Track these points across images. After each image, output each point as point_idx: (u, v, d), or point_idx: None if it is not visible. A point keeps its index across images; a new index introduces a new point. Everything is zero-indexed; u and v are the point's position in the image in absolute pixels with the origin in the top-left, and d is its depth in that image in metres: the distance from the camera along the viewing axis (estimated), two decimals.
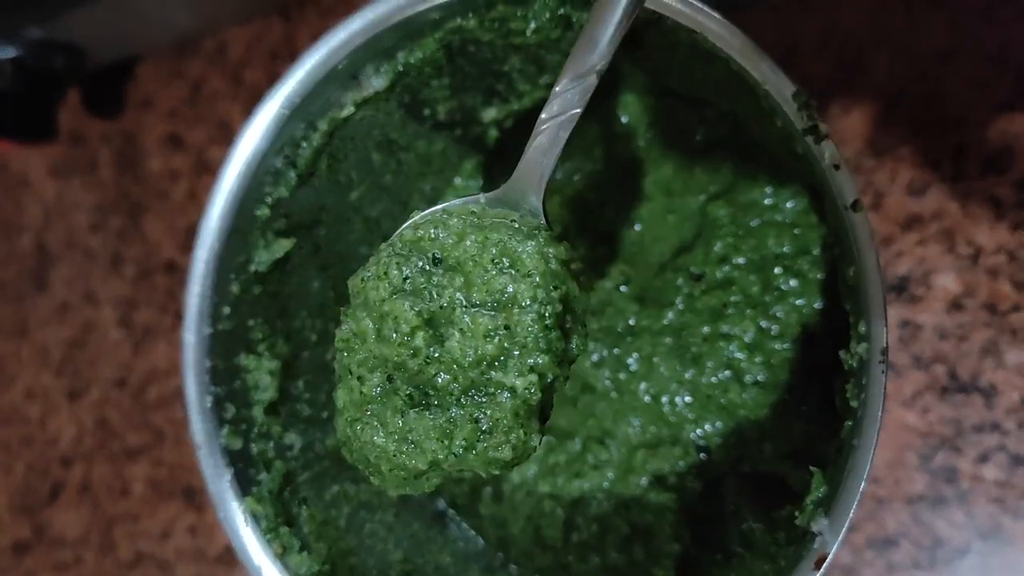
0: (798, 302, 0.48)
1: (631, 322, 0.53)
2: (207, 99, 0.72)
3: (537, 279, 0.34)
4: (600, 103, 0.52)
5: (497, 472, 0.34)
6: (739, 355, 0.50)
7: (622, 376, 0.53)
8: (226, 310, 0.45)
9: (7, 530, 0.76)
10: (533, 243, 0.34)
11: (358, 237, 0.52)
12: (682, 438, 0.52)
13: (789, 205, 0.49)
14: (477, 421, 0.33)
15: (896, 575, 0.52)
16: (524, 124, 0.52)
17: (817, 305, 0.48)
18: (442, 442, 0.34)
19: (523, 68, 0.49)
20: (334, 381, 0.37)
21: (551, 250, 0.35)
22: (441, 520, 0.55)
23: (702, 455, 0.51)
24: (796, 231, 0.48)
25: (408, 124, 0.50)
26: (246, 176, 0.44)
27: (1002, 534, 0.50)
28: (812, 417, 0.47)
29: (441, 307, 0.34)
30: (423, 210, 0.39)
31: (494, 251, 0.34)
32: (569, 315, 0.35)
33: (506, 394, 0.33)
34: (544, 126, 0.37)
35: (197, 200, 0.72)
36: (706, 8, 0.38)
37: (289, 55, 0.69)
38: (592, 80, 0.36)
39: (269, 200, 0.45)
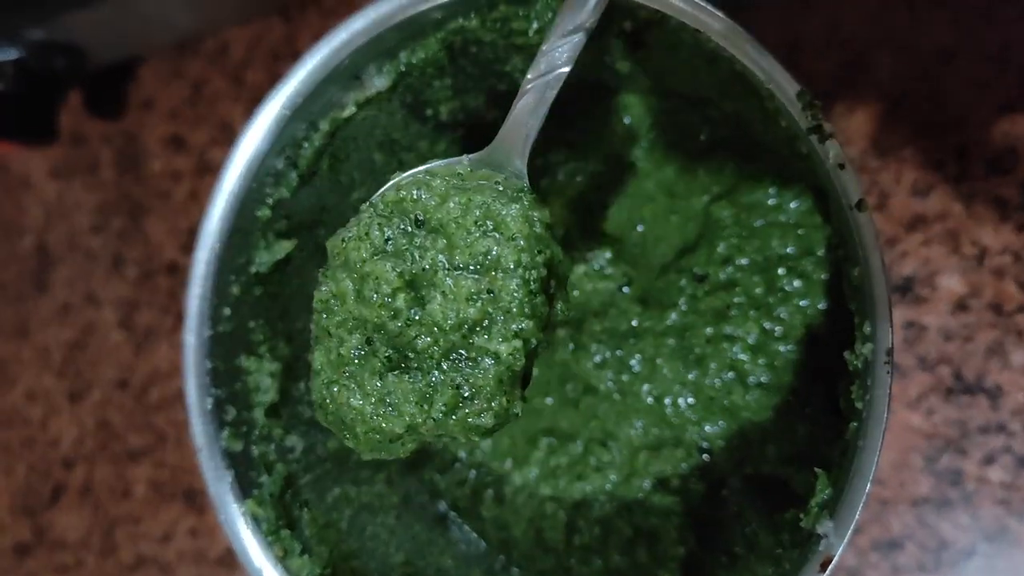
0: (802, 303, 0.48)
1: (634, 323, 0.53)
2: (208, 100, 0.72)
3: (521, 242, 0.33)
4: (602, 104, 0.52)
5: (477, 439, 0.34)
6: (742, 356, 0.50)
7: (624, 378, 0.53)
8: (227, 311, 0.45)
9: (8, 532, 0.76)
10: (517, 206, 0.34)
11: None
12: (685, 440, 0.51)
13: (793, 205, 0.49)
14: (459, 387, 0.33)
15: None
16: None
17: (821, 306, 0.48)
18: (421, 406, 0.33)
19: (525, 68, 0.48)
20: (311, 342, 0.37)
21: (536, 213, 0.34)
22: (443, 523, 0.54)
23: (705, 457, 0.51)
24: (800, 232, 0.48)
25: (410, 124, 0.50)
26: (247, 177, 0.44)
27: (1008, 536, 0.50)
28: (816, 419, 0.47)
29: (423, 269, 0.34)
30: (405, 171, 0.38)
31: (477, 213, 0.34)
32: (553, 279, 0.34)
33: (489, 360, 0.33)
34: (529, 85, 0.37)
35: (199, 201, 0.72)
36: (709, 7, 0.38)
37: (290, 55, 0.69)
38: (580, 38, 0.35)
39: (270, 201, 0.45)
